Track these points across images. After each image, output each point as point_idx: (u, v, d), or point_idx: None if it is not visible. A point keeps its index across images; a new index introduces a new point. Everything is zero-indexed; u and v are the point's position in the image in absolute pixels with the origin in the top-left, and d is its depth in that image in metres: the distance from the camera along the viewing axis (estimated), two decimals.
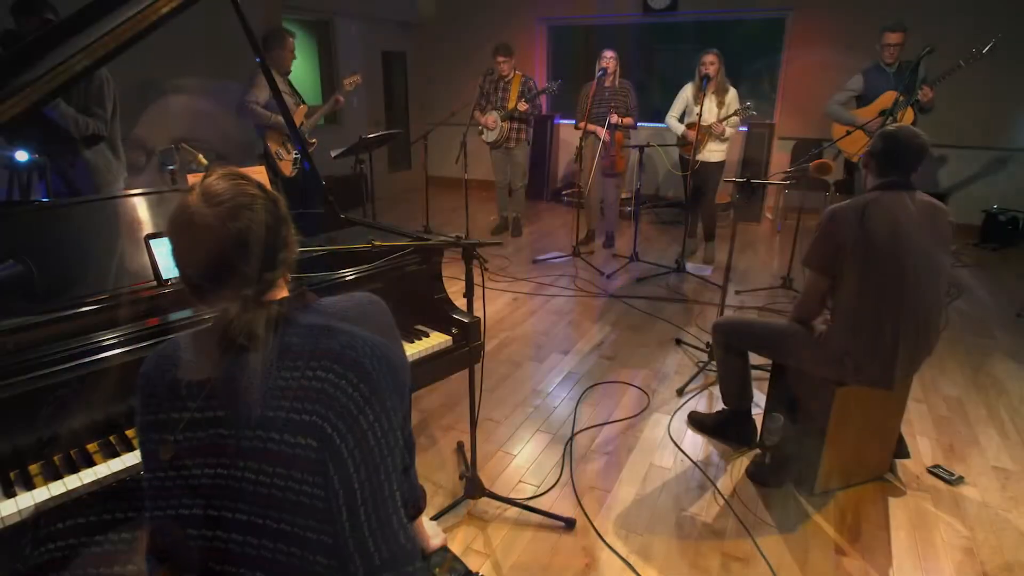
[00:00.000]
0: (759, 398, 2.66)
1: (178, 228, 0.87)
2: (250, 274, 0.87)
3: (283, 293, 0.96)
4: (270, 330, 0.90)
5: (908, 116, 4.06)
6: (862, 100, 4.37)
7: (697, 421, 2.69)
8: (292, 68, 4.23)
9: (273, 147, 4.10)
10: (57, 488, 1.19)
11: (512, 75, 5.19)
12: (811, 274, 2.13)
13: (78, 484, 1.21)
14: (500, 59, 5.08)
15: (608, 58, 4.72)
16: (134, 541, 1.91)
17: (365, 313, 0.99)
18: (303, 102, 4.24)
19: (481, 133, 5.38)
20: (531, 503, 2.18)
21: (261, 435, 0.85)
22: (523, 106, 5.10)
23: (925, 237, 1.98)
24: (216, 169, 0.92)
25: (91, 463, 1.26)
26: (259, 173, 2.03)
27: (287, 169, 4.16)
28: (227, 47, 4.67)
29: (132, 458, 1.29)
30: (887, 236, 1.95)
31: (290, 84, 4.19)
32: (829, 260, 2.04)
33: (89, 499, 1.22)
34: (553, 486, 2.30)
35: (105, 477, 1.24)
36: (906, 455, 2.41)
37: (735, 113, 4.41)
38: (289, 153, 4.15)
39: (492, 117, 5.24)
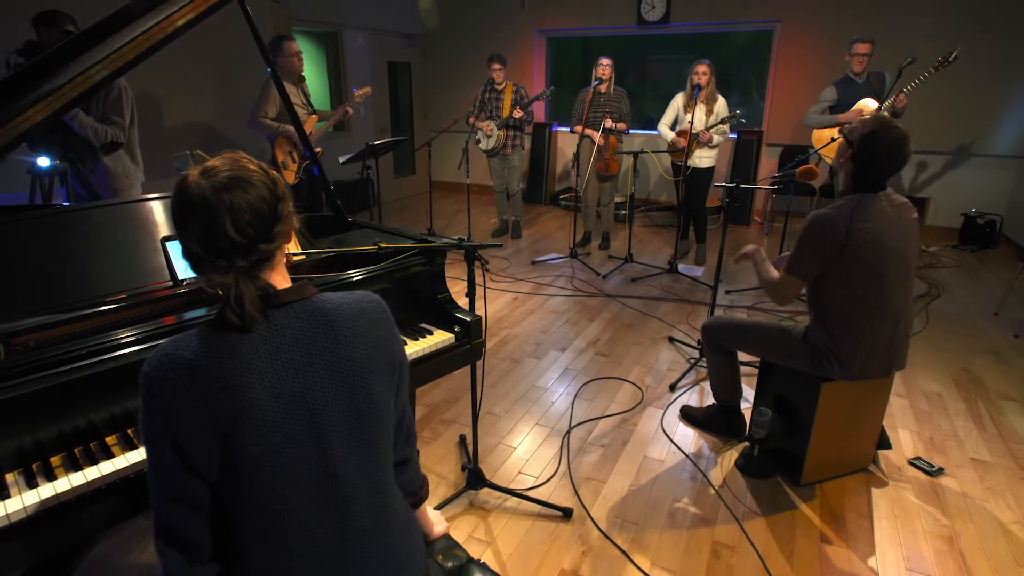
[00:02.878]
0: (748, 393, 2.66)
1: (176, 199, 0.89)
2: (243, 243, 0.87)
3: (285, 284, 0.96)
4: (262, 309, 0.90)
5: None
6: (835, 110, 4.39)
7: (689, 415, 2.69)
8: (304, 75, 4.21)
9: (280, 156, 4.10)
10: (78, 479, 1.19)
11: (504, 84, 5.21)
12: (788, 278, 2.06)
13: (97, 475, 1.21)
14: (495, 67, 5.11)
15: (604, 66, 4.73)
16: (151, 529, 1.90)
17: (363, 309, 0.99)
18: (314, 111, 4.23)
19: (478, 142, 5.38)
20: (530, 494, 2.19)
21: (259, 423, 0.85)
22: (518, 113, 5.12)
23: (902, 237, 1.99)
24: (224, 153, 0.94)
25: (110, 455, 1.26)
26: None
27: (291, 178, 4.15)
28: (235, 58, 4.69)
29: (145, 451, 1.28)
30: (872, 241, 1.93)
31: (304, 94, 4.18)
32: (813, 268, 2.00)
33: (108, 489, 1.22)
34: (551, 477, 2.30)
35: (123, 468, 1.24)
36: (888, 446, 2.41)
37: (722, 121, 4.41)
38: (295, 162, 4.15)
39: (488, 124, 5.26)
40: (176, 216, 0.89)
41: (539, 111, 7.33)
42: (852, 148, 1.97)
